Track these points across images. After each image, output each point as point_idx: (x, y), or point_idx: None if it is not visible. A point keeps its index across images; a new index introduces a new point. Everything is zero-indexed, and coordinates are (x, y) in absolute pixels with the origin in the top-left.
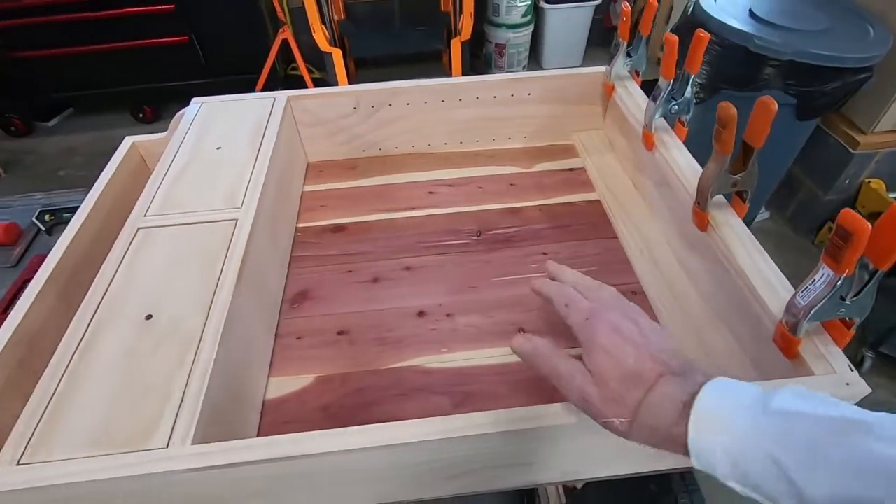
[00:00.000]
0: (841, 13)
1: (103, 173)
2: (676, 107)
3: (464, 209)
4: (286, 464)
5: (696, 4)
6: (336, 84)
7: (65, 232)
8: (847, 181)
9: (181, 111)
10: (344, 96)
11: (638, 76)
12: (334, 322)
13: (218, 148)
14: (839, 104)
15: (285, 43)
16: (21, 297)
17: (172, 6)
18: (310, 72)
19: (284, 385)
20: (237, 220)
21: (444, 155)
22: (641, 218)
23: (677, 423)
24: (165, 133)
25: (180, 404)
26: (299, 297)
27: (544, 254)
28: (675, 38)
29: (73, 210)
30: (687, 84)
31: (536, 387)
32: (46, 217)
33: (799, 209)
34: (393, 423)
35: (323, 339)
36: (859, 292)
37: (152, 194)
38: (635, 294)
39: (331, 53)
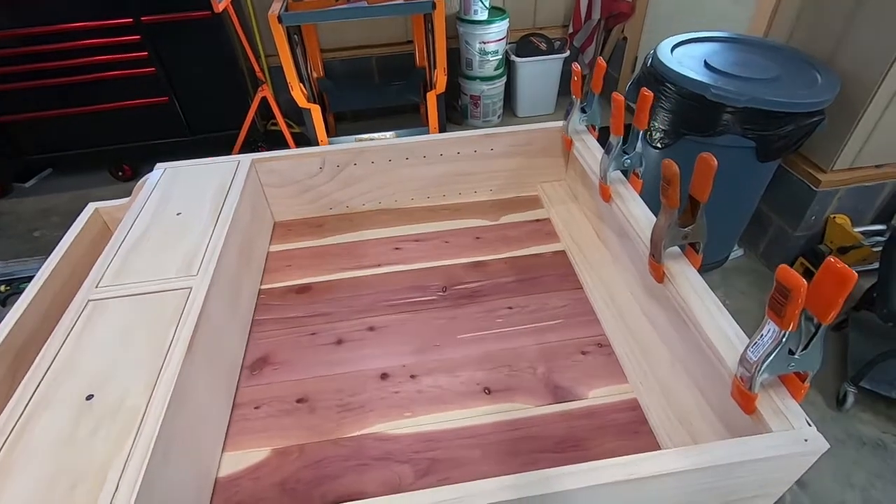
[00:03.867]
0: (789, 61)
1: (61, 242)
2: (629, 161)
3: (429, 265)
4: None
5: (654, 57)
6: (315, 138)
7: (15, 305)
8: (813, 217)
9: (144, 177)
10: (309, 157)
11: (594, 130)
12: (294, 388)
13: (178, 214)
14: (796, 146)
15: (265, 100)
16: None
17: (153, 69)
18: (289, 127)
19: (239, 460)
20: (191, 288)
21: (411, 211)
22: (605, 268)
23: None
24: (129, 198)
25: (114, 496)
26: (260, 362)
27: (510, 308)
28: (622, 98)
29: (31, 280)
30: (637, 139)
31: (504, 451)
32: (2, 288)
33: (770, 245)
34: None
35: (282, 408)
36: (807, 346)
37: (106, 264)
38: (601, 346)
39: (309, 109)
